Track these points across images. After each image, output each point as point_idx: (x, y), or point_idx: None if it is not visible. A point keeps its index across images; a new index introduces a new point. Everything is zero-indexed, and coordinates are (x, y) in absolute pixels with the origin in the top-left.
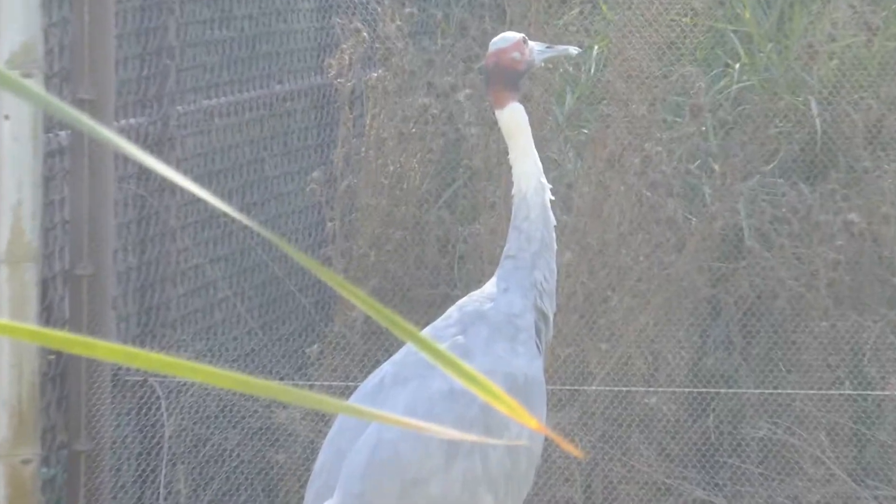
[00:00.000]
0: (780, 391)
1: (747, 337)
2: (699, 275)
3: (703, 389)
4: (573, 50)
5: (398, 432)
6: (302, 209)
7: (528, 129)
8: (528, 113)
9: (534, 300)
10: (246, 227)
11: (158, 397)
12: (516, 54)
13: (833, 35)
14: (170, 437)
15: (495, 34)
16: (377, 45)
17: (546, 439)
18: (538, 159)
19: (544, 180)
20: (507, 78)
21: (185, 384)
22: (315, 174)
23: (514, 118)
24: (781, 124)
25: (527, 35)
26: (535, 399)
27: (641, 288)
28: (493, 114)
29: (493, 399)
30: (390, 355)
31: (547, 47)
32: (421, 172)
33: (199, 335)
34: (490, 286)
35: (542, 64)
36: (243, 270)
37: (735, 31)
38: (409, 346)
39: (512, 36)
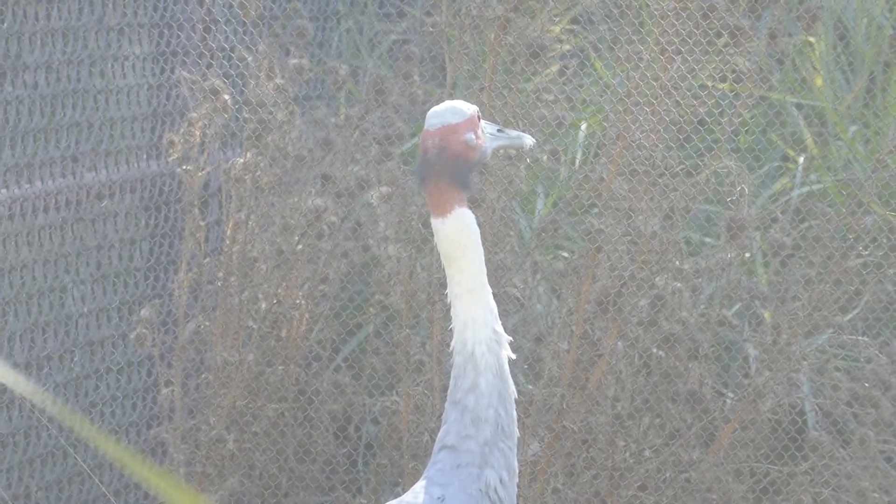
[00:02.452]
0: None
1: None
2: (737, 482)
3: None
4: (528, 140)
5: None
6: (122, 366)
7: (480, 249)
8: (479, 226)
9: None
10: (32, 395)
11: None
12: (470, 136)
13: None
14: None
15: (430, 102)
16: (246, 115)
17: None
18: (491, 297)
19: (501, 329)
20: (456, 170)
21: None
22: (144, 312)
23: (460, 232)
24: (868, 252)
25: (478, 106)
26: None
27: (648, 500)
28: (425, 225)
29: None
30: None
31: (498, 130)
32: (310, 313)
33: None
34: (416, 494)
35: (491, 154)
36: (29, 460)
37: (800, 107)
38: None
39: (465, 107)
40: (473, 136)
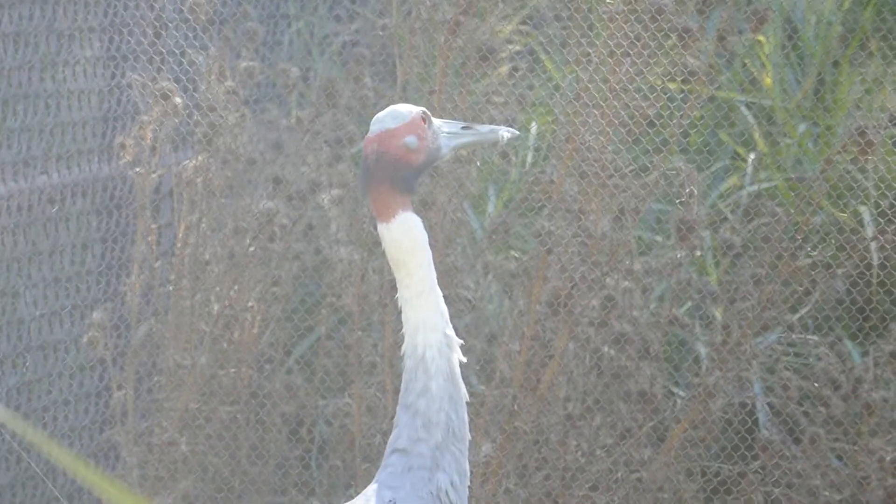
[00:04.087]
0: None
1: None
2: (688, 481)
3: None
4: (506, 132)
5: None
6: (75, 369)
7: (428, 252)
8: (429, 228)
9: None
10: None
11: None
12: (411, 139)
13: None
14: None
15: (381, 104)
16: (197, 118)
17: None
18: (442, 300)
19: (452, 332)
20: (397, 175)
21: None
22: (96, 315)
23: (406, 236)
24: (816, 251)
25: (429, 108)
26: None
27: (600, 500)
28: (375, 228)
29: None
30: None
31: (463, 127)
32: (262, 316)
33: None
34: (367, 497)
35: (453, 153)
36: None
37: (749, 105)
38: None
39: (405, 111)
40: (415, 139)
